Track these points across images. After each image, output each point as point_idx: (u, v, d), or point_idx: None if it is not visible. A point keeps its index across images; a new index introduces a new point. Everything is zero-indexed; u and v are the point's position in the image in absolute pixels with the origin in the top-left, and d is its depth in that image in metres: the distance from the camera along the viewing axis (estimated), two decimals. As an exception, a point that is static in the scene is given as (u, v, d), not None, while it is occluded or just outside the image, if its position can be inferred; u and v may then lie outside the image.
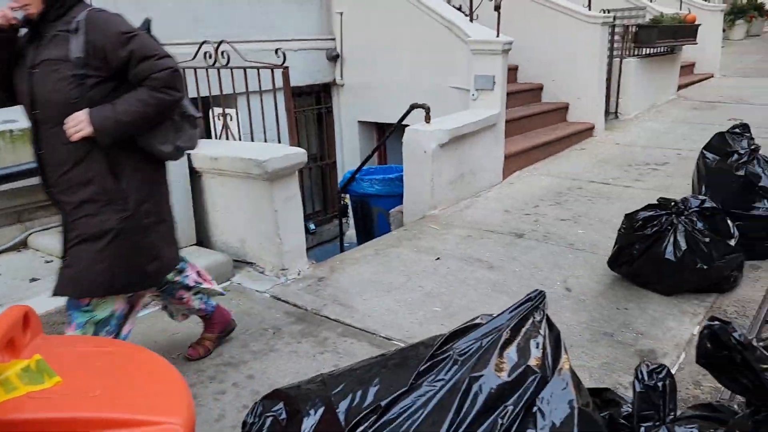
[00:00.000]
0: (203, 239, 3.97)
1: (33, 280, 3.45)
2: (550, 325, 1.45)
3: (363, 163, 5.82)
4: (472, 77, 5.49)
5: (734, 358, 1.18)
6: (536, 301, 1.45)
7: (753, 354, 1.15)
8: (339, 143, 7.34)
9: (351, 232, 6.29)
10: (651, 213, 3.44)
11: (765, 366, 1.14)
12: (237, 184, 3.71)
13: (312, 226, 6.93)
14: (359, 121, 7.12)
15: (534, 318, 1.43)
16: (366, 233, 5.69)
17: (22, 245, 3.88)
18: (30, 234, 3.89)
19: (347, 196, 5.93)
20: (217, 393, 2.61)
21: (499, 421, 1.27)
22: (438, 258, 3.97)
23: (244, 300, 3.46)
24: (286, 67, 4.15)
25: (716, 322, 1.19)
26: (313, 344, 2.98)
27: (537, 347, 1.37)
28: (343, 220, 6.36)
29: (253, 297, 3.50)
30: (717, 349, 1.20)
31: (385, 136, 5.80)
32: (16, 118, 3.55)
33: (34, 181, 3.18)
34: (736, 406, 1.47)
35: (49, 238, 3.76)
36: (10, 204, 3.77)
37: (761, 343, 1.19)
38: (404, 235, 4.44)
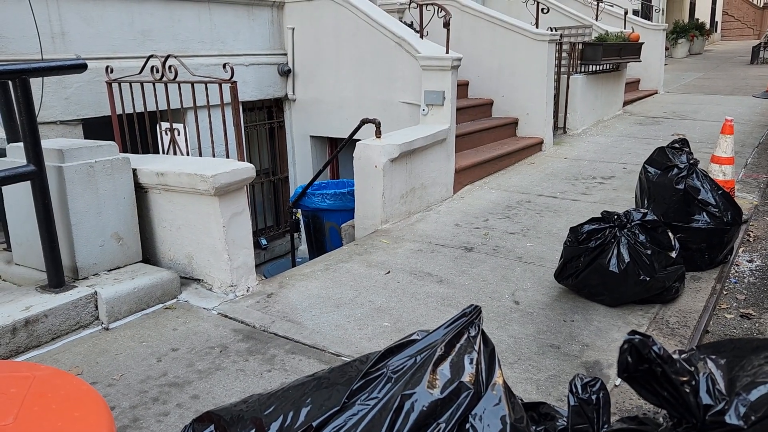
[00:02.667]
0: (149, 256, 3.88)
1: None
2: (485, 340, 1.45)
3: (314, 178, 5.80)
4: (422, 93, 5.55)
5: (654, 372, 1.20)
6: (471, 316, 1.45)
7: (672, 367, 1.17)
8: (291, 158, 7.32)
9: (303, 247, 6.25)
10: (595, 226, 3.51)
11: (684, 378, 1.16)
12: (184, 200, 3.65)
13: (264, 242, 6.88)
14: (311, 136, 7.11)
15: (469, 333, 1.42)
16: (318, 248, 5.66)
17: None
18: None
19: (299, 211, 5.89)
20: (161, 415, 2.54)
21: (432, 439, 1.27)
22: (388, 272, 3.97)
23: (190, 318, 3.39)
24: (234, 82, 4.12)
25: (636, 337, 1.20)
26: (260, 362, 2.93)
27: (471, 363, 1.36)
28: (295, 235, 6.32)
29: (200, 314, 3.43)
30: (638, 362, 1.22)
31: (336, 151, 5.80)
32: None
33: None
34: (661, 419, 1.50)
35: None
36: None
37: (683, 356, 1.22)
38: (355, 250, 4.43)
